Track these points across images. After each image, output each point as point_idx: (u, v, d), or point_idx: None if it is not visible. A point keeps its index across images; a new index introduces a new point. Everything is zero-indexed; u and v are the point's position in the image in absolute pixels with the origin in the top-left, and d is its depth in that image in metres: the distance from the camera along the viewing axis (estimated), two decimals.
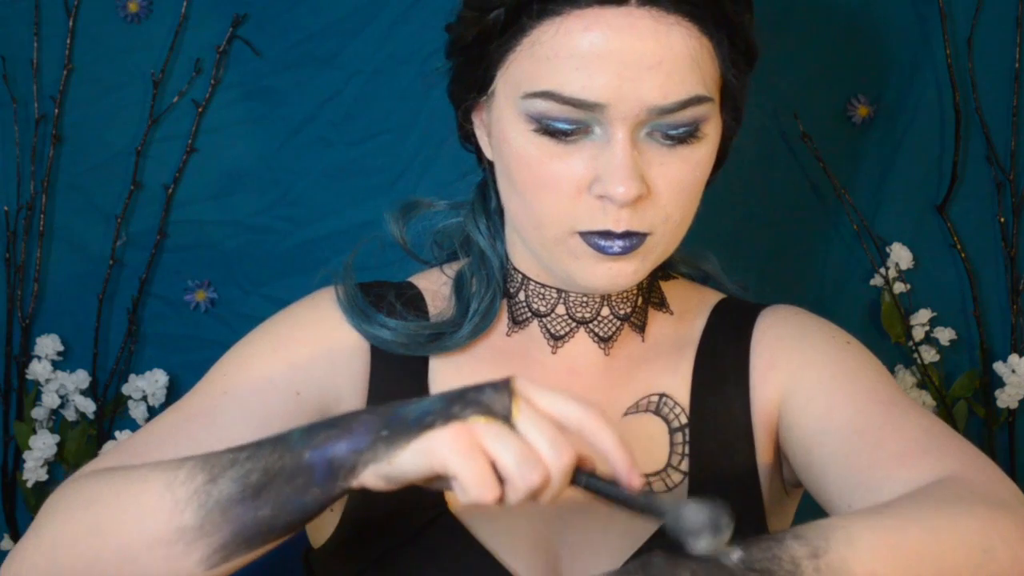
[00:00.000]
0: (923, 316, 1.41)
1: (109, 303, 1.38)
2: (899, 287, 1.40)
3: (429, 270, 1.05)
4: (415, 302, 1.01)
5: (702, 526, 0.70)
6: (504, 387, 0.75)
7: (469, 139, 1.00)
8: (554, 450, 0.73)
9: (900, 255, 1.40)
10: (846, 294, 1.42)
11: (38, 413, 1.38)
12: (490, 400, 0.74)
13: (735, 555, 0.70)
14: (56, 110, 1.35)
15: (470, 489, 0.72)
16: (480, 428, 0.73)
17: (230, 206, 1.38)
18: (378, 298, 0.99)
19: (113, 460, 0.89)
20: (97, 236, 1.38)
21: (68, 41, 1.34)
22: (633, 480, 0.74)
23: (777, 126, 1.39)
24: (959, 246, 1.41)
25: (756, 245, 1.40)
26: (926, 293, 1.42)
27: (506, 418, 0.74)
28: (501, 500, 0.74)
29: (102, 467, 0.87)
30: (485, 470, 0.72)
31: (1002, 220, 1.41)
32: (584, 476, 0.75)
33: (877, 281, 1.41)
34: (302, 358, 0.96)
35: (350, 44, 1.35)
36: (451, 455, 0.72)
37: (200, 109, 1.36)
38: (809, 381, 0.96)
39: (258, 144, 1.37)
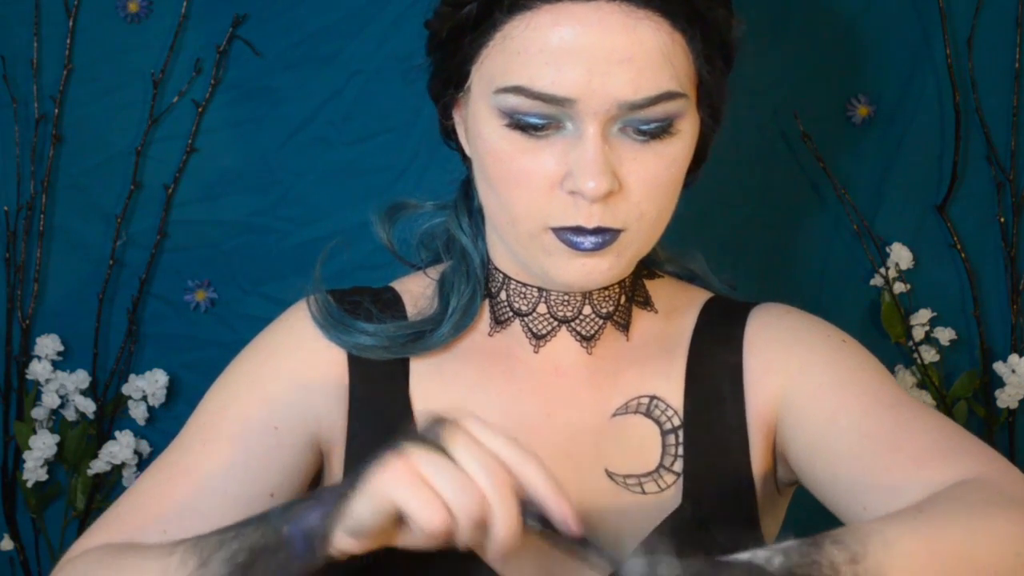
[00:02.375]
0: (923, 316, 1.41)
1: (109, 303, 1.38)
2: (899, 287, 1.40)
3: (411, 274, 1.05)
4: (392, 305, 1.01)
5: None
6: (443, 420, 0.75)
7: (451, 136, 1.01)
8: (488, 476, 0.72)
9: (900, 255, 1.40)
10: (846, 294, 1.42)
11: (38, 413, 1.38)
12: (427, 432, 0.75)
13: (776, 561, 0.70)
14: (56, 110, 1.35)
15: (417, 517, 0.72)
16: (415, 457, 0.73)
17: (230, 206, 1.38)
18: (353, 305, 0.99)
19: (104, 533, 0.91)
20: (97, 236, 1.38)
21: (68, 41, 1.34)
22: (572, 527, 0.74)
23: (777, 126, 1.39)
24: (959, 246, 1.41)
25: (756, 245, 1.40)
26: (926, 293, 1.42)
27: (440, 447, 0.73)
28: (452, 534, 0.73)
29: (96, 544, 0.89)
30: (428, 496, 0.72)
31: (1002, 220, 1.41)
32: (532, 515, 0.74)
33: (877, 281, 1.41)
34: (278, 391, 0.96)
35: (350, 44, 1.35)
36: (393, 487, 0.72)
37: (200, 109, 1.36)
38: (810, 383, 0.95)
39: (258, 144, 1.37)
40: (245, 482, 0.93)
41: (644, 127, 0.87)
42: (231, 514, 0.90)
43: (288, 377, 0.97)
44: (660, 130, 0.88)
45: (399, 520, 0.74)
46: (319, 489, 0.78)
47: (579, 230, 0.88)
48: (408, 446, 0.74)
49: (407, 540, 0.76)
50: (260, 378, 0.97)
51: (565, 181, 0.87)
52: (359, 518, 0.74)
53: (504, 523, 0.73)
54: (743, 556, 0.71)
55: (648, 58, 0.86)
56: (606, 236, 0.89)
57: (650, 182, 0.89)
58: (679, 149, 0.90)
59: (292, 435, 0.95)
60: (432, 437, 0.74)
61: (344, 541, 0.75)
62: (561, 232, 0.89)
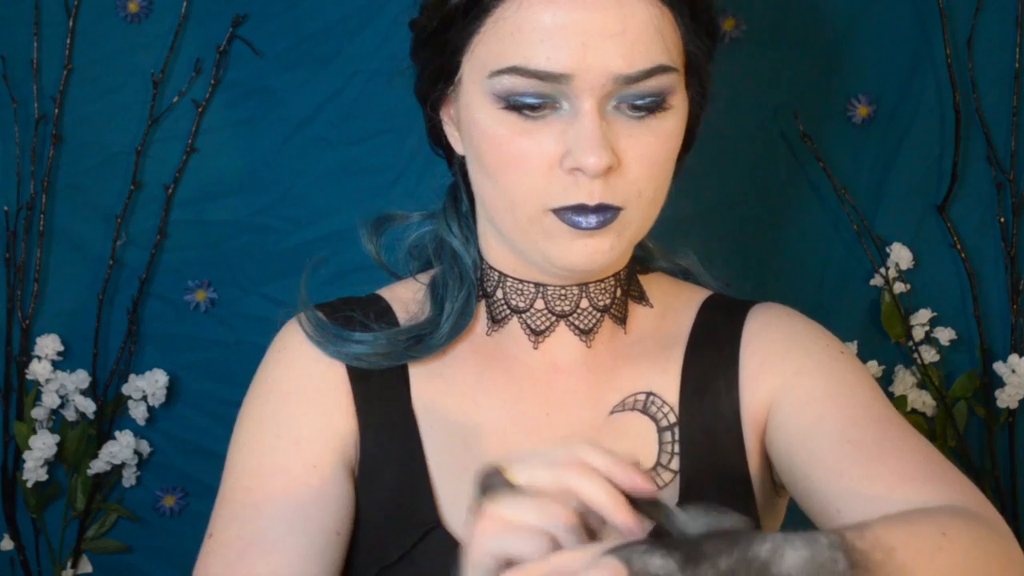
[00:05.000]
0: (923, 316, 1.41)
1: (109, 303, 1.38)
2: (899, 287, 1.40)
3: (398, 281, 1.05)
4: (384, 314, 1.01)
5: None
6: (495, 470, 0.74)
7: (439, 141, 1.01)
8: (557, 475, 0.72)
9: (900, 255, 1.40)
10: (846, 294, 1.42)
11: (38, 413, 1.38)
12: (488, 482, 0.74)
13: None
14: (56, 110, 1.35)
15: (524, 556, 0.71)
16: (491, 507, 0.72)
17: (230, 206, 1.38)
18: (346, 319, 0.99)
19: None
20: (97, 236, 1.38)
21: (68, 41, 1.34)
22: (642, 486, 0.73)
23: (777, 126, 1.39)
24: (959, 246, 1.41)
25: (756, 245, 1.40)
26: (926, 293, 1.42)
27: (507, 485, 0.73)
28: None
29: None
30: (523, 534, 0.71)
31: (1002, 220, 1.41)
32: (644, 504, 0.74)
33: (877, 281, 1.41)
34: (303, 428, 0.96)
35: (350, 44, 1.35)
36: (490, 544, 0.72)
37: (200, 109, 1.36)
38: (802, 388, 0.95)
39: (258, 144, 1.37)
40: (309, 531, 0.92)
41: (639, 102, 0.88)
42: (310, 568, 0.90)
43: (306, 408, 0.96)
44: (654, 105, 0.89)
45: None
46: None
47: (581, 208, 0.88)
48: (480, 502, 0.73)
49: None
50: (284, 422, 0.96)
51: (564, 160, 0.88)
52: None
53: (601, 496, 0.72)
54: (788, 560, 0.68)
55: (640, 31, 0.87)
56: (607, 214, 0.89)
57: (647, 158, 0.89)
58: (672, 125, 0.91)
59: (330, 467, 0.95)
60: (495, 482, 0.74)
61: None
62: (563, 212, 0.89)
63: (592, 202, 0.88)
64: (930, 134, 1.40)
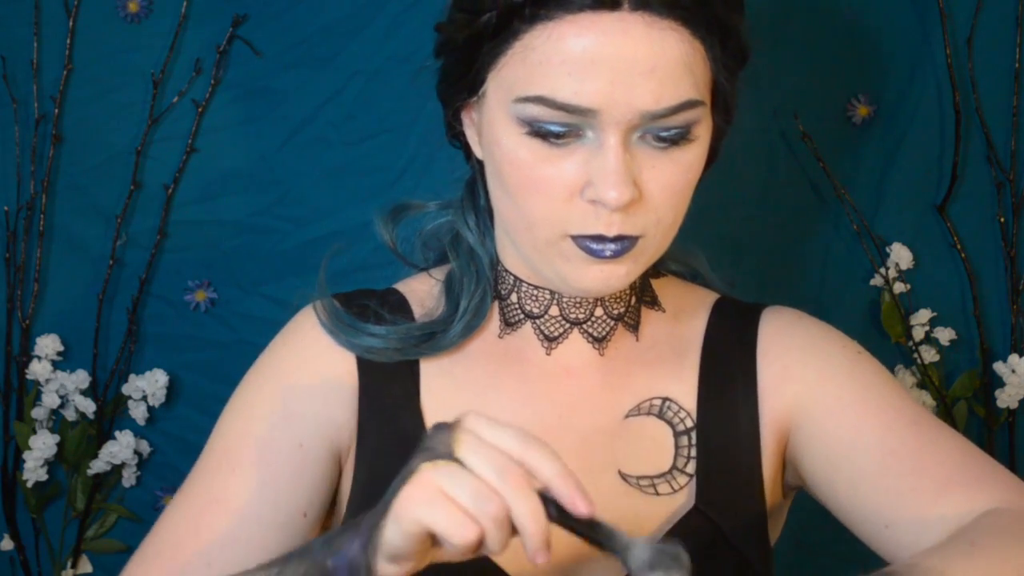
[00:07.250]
0: (923, 316, 1.41)
1: (109, 303, 1.38)
2: (899, 287, 1.40)
3: (414, 275, 1.05)
4: (400, 307, 1.01)
5: (645, 565, 0.71)
6: (448, 426, 0.74)
7: (457, 136, 1.00)
8: (501, 476, 0.71)
9: (900, 255, 1.40)
10: (846, 294, 1.42)
11: (38, 413, 1.38)
12: (434, 443, 0.73)
13: None
14: (56, 110, 1.35)
15: (447, 534, 0.70)
16: (430, 473, 0.71)
17: (230, 206, 1.38)
18: (361, 308, 0.99)
19: (145, 572, 0.91)
20: (97, 236, 1.38)
21: (68, 41, 1.34)
22: (578, 507, 0.72)
23: (777, 126, 1.39)
24: (959, 246, 1.41)
25: (756, 245, 1.40)
26: (926, 293, 1.42)
27: (451, 456, 0.72)
28: (484, 543, 0.71)
29: None
30: (453, 511, 0.70)
31: (1002, 220, 1.41)
32: (552, 506, 0.73)
33: (877, 281, 1.41)
34: (298, 407, 0.96)
35: (350, 44, 1.35)
36: (417, 509, 0.71)
37: (200, 109, 1.36)
38: (829, 395, 0.96)
39: (258, 144, 1.37)
40: (278, 505, 0.93)
41: (663, 134, 0.87)
42: (269, 538, 0.91)
43: (306, 390, 0.97)
44: (678, 137, 0.88)
45: (433, 538, 0.73)
46: (358, 517, 0.77)
47: (599, 238, 0.88)
48: (422, 463, 0.72)
49: (444, 556, 0.75)
50: (279, 395, 0.97)
51: (586, 190, 0.87)
52: (393, 544, 0.73)
53: (529, 520, 0.71)
54: None
55: (670, 68, 0.85)
56: (625, 243, 0.88)
57: (668, 189, 0.89)
58: (695, 155, 0.90)
59: (316, 450, 0.95)
60: (440, 446, 0.73)
61: (386, 569, 0.74)
62: (580, 240, 0.88)
63: (611, 233, 0.87)
64: (930, 134, 1.40)
